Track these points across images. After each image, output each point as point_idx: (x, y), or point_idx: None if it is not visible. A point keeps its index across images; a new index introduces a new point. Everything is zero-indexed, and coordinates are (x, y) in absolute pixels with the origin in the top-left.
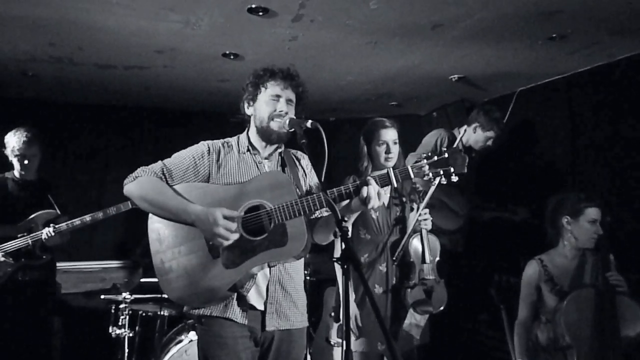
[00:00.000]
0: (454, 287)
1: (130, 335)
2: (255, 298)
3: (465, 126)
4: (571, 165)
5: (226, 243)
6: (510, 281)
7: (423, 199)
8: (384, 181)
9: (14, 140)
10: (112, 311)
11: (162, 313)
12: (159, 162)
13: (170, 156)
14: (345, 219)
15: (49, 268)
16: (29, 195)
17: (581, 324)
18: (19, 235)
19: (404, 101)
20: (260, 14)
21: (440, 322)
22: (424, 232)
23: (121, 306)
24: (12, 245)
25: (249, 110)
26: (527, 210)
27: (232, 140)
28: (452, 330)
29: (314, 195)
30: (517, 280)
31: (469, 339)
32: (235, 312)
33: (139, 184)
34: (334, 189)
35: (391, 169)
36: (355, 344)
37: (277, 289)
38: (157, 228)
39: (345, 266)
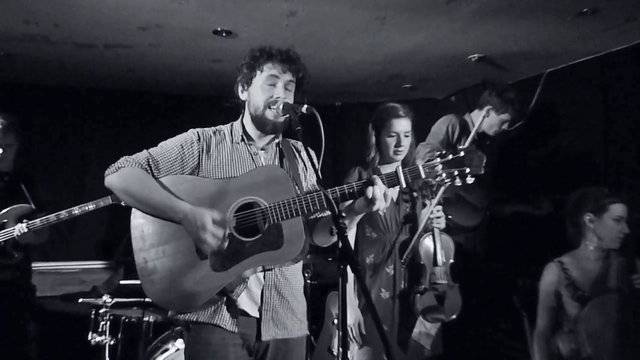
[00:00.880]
0: (470, 291)
1: (112, 342)
2: (247, 304)
3: (476, 110)
4: (603, 155)
5: (214, 249)
6: (535, 286)
7: (436, 194)
8: (391, 181)
9: None
10: (92, 316)
11: (146, 319)
12: (144, 151)
13: (156, 145)
14: (344, 214)
15: (23, 268)
16: (4, 188)
17: (604, 332)
18: None
19: (418, 83)
20: None
21: (453, 330)
22: (436, 231)
23: (101, 311)
24: None
25: (243, 95)
26: (551, 204)
27: (225, 128)
28: (466, 340)
29: (314, 193)
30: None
31: (485, 349)
32: (225, 318)
33: (122, 176)
34: (336, 188)
35: (400, 167)
36: (359, 354)
37: (273, 294)
38: (141, 224)
39: (342, 266)
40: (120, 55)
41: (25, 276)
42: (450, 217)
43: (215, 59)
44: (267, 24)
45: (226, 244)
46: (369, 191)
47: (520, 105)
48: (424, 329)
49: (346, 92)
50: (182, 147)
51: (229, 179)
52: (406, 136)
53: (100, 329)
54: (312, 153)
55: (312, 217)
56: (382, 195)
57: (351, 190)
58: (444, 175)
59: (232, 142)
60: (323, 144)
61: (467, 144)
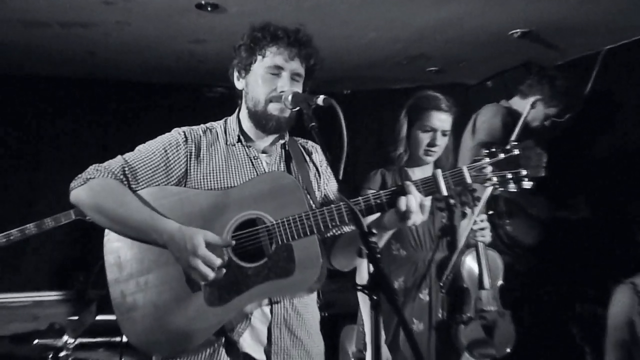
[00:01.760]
0: (522, 321)
1: None
2: (251, 345)
3: (516, 98)
4: None
5: (208, 279)
6: (597, 313)
7: (478, 201)
8: (428, 188)
9: None
10: None
11: None
12: (119, 157)
13: (125, 145)
14: (374, 230)
15: None
16: None
17: None
18: None
19: (447, 65)
20: None
21: None
22: (480, 246)
23: (62, 354)
24: None
25: (239, 83)
26: (586, 206)
27: (217, 125)
28: None
29: (332, 206)
30: (606, 311)
31: None
32: None
33: (92, 189)
34: (360, 199)
35: (439, 171)
36: None
37: (283, 333)
38: (116, 249)
39: (375, 297)
40: (79, 35)
41: None
42: (509, 231)
43: (196, 39)
44: None
45: (223, 272)
46: (402, 202)
47: (572, 94)
48: None
49: (357, 77)
50: (166, 151)
51: (226, 190)
52: (444, 135)
53: None
54: (324, 159)
55: (328, 234)
56: (419, 207)
57: (379, 201)
58: (494, 179)
59: (226, 143)
60: (345, 144)
61: (514, 137)
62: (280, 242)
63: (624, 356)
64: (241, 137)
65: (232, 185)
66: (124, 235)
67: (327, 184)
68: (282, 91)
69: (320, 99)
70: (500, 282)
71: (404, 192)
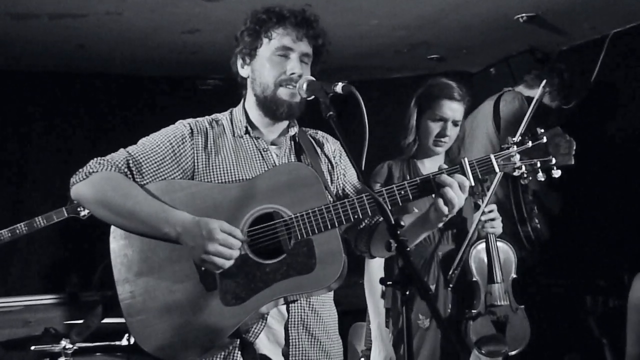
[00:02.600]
0: (533, 315)
1: None
2: (268, 346)
3: (521, 87)
4: None
5: (227, 265)
6: (609, 305)
7: (488, 190)
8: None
9: None
10: None
11: None
12: (121, 150)
13: (117, 140)
14: (402, 222)
15: None
16: None
17: None
18: None
19: (448, 53)
20: None
21: None
22: (491, 238)
23: None
24: None
25: (244, 71)
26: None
27: (223, 117)
28: None
29: (354, 198)
30: (620, 303)
31: None
32: None
33: (95, 183)
34: (383, 189)
35: (466, 159)
36: None
37: (301, 333)
38: (124, 246)
39: (407, 292)
40: (70, 27)
41: None
42: (538, 226)
43: (190, 29)
44: None
45: (236, 254)
46: (448, 191)
47: (578, 82)
48: None
49: (357, 67)
50: (172, 144)
51: (239, 183)
52: (455, 125)
53: None
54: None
55: (363, 224)
56: (459, 190)
57: (403, 192)
58: (523, 167)
59: (233, 134)
60: (367, 134)
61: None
62: (299, 237)
63: None
64: (249, 128)
65: (242, 177)
66: (131, 230)
67: (345, 175)
68: (292, 73)
69: (339, 87)
70: (513, 276)
71: (429, 182)
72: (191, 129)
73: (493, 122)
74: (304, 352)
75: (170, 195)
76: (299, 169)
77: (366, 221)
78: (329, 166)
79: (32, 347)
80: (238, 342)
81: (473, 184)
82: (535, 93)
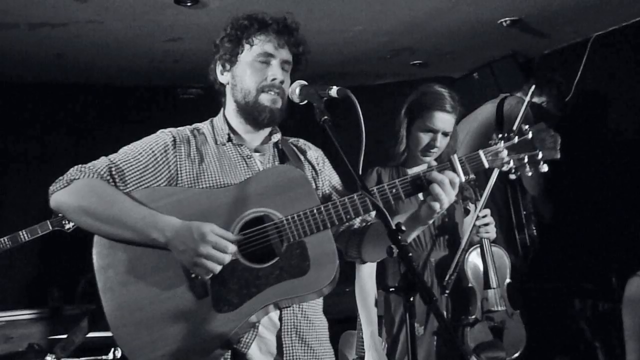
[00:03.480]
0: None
1: None
2: (260, 356)
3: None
4: None
5: (217, 269)
6: (599, 308)
7: (481, 195)
8: None
9: None
10: None
11: None
12: (103, 158)
13: (97, 152)
14: (403, 227)
15: None
16: None
17: None
18: None
19: (431, 58)
20: None
21: None
22: (485, 243)
23: None
24: None
25: (223, 77)
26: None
27: (204, 126)
28: None
29: (346, 198)
30: (609, 306)
31: None
32: None
33: (77, 191)
34: (375, 188)
35: (455, 156)
36: None
37: (294, 341)
38: (108, 255)
39: (410, 299)
40: (49, 36)
41: None
42: (534, 236)
43: (173, 37)
44: None
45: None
46: (436, 190)
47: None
48: None
49: (340, 73)
50: (153, 151)
51: (226, 188)
52: (445, 135)
53: None
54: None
55: (353, 228)
56: (450, 187)
57: (394, 191)
58: (511, 162)
59: (216, 143)
60: (364, 137)
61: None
62: (291, 240)
63: None
64: (231, 135)
65: (229, 185)
66: (117, 238)
67: (330, 182)
68: (273, 79)
69: (334, 90)
70: (507, 281)
71: (421, 180)
72: (174, 137)
73: (495, 124)
74: None
75: (155, 202)
76: (288, 171)
77: (356, 225)
78: (313, 173)
79: None
80: (230, 354)
81: (463, 179)
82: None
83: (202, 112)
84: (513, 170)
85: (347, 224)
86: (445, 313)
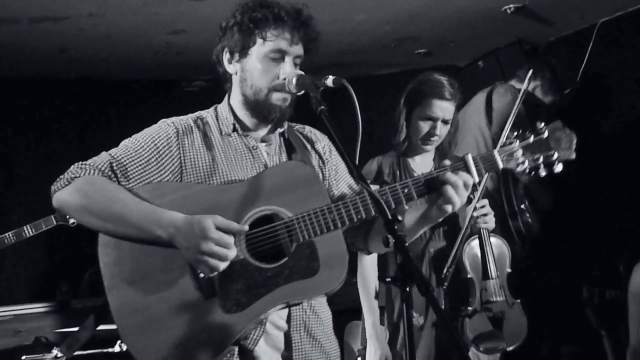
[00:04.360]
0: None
1: None
2: (267, 353)
3: (514, 81)
4: None
5: (221, 267)
6: (606, 296)
7: (479, 185)
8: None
9: None
10: None
11: None
12: (104, 153)
13: (102, 146)
14: (399, 217)
15: None
16: None
17: None
18: None
19: (436, 47)
20: None
21: None
22: (484, 233)
23: None
24: None
25: (231, 67)
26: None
27: (207, 115)
28: None
29: (357, 197)
30: (617, 293)
31: None
32: None
33: (78, 189)
34: (387, 188)
35: (469, 155)
36: None
37: (303, 336)
38: (114, 253)
39: (406, 289)
40: (51, 31)
41: None
42: (529, 221)
43: (175, 29)
44: None
45: (233, 254)
46: (449, 192)
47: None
48: None
49: (344, 64)
50: (156, 144)
51: (233, 184)
52: (445, 123)
53: None
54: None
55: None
56: (463, 188)
57: (406, 191)
58: (526, 162)
59: (220, 133)
60: (360, 128)
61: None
62: (301, 240)
63: None
64: (236, 125)
65: (234, 178)
66: (121, 236)
67: (337, 172)
68: (285, 79)
69: (330, 80)
70: (507, 270)
71: (434, 180)
72: (176, 127)
73: (485, 115)
74: (306, 355)
75: (160, 199)
76: (298, 167)
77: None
78: (320, 162)
79: (23, 357)
80: (237, 350)
81: (477, 180)
82: (544, 98)
83: (206, 105)
84: (527, 171)
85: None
86: (443, 304)
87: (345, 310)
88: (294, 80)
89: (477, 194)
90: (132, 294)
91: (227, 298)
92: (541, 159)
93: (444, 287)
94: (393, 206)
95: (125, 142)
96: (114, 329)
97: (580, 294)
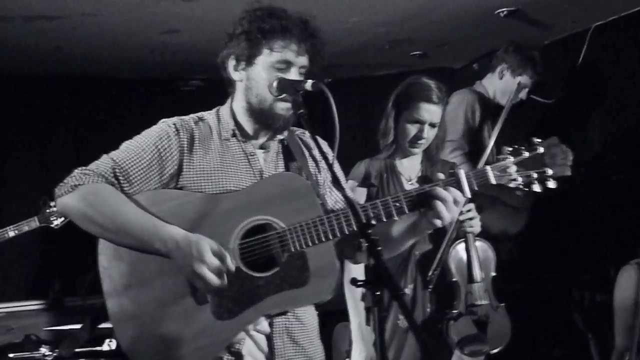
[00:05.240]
0: (517, 312)
1: None
2: (252, 356)
3: (488, 75)
4: None
5: (212, 289)
6: (597, 299)
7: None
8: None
9: None
10: None
11: None
12: (105, 157)
13: (97, 147)
14: (373, 222)
15: None
16: None
17: None
18: None
19: (431, 49)
20: None
21: None
22: (470, 237)
23: None
24: None
25: (237, 75)
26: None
27: (209, 117)
28: None
29: (348, 210)
30: (606, 297)
31: None
32: None
33: (82, 198)
34: (378, 201)
35: (462, 171)
36: None
37: (286, 342)
38: (113, 257)
39: (377, 292)
40: (45, 29)
41: None
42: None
43: (170, 29)
44: None
45: (226, 282)
46: (439, 208)
47: (543, 68)
48: None
49: (339, 65)
50: (157, 147)
51: (231, 193)
52: (432, 126)
53: None
54: (323, 144)
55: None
56: (453, 204)
57: (398, 205)
58: (519, 179)
59: (220, 137)
60: (337, 132)
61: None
62: (293, 250)
63: (634, 340)
64: (236, 131)
65: (229, 184)
66: (120, 244)
67: (327, 178)
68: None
69: (309, 84)
70: (492, 274)
71: (425, 195)
72: (177, 128)
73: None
74: None
75: (159, 206)
76: (293, 179)
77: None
78: (316, 169)
79: (11, 355)
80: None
81: (469, 196)
82: (517, 78)
83: (202, 104)
84: (521, 187)
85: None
86: (428, 306)
87: (335, 312)
88: (275, 84)
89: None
90: (129, 299)
91: (218, 305)
92: (535, 175)
93: (429, 290)
94: (384, 219)
95: (126, 145)
96: (101, 327)
97: (571, 297)
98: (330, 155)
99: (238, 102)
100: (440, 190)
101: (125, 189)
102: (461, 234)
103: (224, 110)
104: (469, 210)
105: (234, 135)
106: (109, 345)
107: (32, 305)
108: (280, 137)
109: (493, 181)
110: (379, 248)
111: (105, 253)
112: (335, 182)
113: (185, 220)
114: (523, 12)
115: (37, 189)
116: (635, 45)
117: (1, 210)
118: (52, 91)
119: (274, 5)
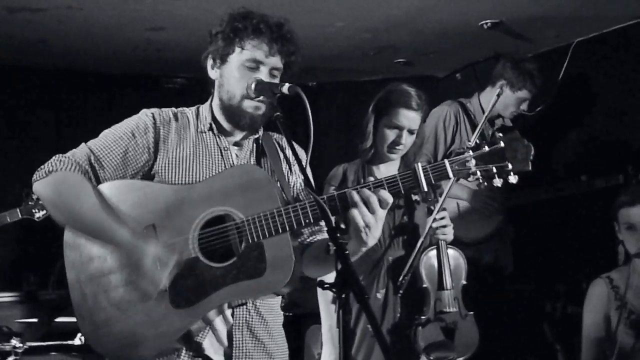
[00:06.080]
0: (487, 321)
1: None
2: (212, 348)
3: (488, 88)
4: None
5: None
6: (568, 311)
7: (440, 196)
8: (407, 184)
9: None
10: None
11: None
12: (83, 145)
13: (78, 141)
14: (342, 226)
15: None
16: None
17: None
18: None
19: (415, 57)
20: None
21: None
22: (441, 244)
23: (10, 359)
24: None
25: (213, 73)
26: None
27: (189, 111)
28: None
29: (305, 202)
30: (578, 309)
31: None
32: None
33: (52, 184)
34: (325, 197)
35: (419, 165)
36: None
37: (245, 336)
38: (77, 246)
39: (343, 295)
40: (29, 21)
41: None
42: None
43: (155, 26)
44: None
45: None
46: (356, 216)
47: (542, 81)
48: None
49: (323, 69)
50: (134, 135)
51: (192, 185)
52: (411, 133)
53: None
54: (298, 148)
55: (300, 239)
56: (373, 220)
57: (333, 204)
58: (478, 173)
59: (197, 130)
60: (312, 135)
61: (476, 133)
62: (250, 241)
63: (601, 349)
64: (213, 125)
65: (199, 174)
66: (83, 233)
67: (298, 181)
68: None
69: (285, 87)
70: (463, 282)
71: (335, 202)
72: (154, 118)
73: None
74: (247, 353)
75: (124, 196)
76: (253, 171)
77: (300, 240)
78: (288, 170)
79: None
80: (185, 344)
81: (426, 189)
82: (517, 93)
83: (186, 102)
84: (480, 181)
85: (299, 240)
86: (398, 311)
87: (309, 315)
88: (253, 86)
89: (438, 205)
90: (91, 288)
91: (176, 294)
92: (494, 170)
93: (400, 295)
94: (311, 221)
95: (104, 133)
96: (73, 321)
97: (543, 308)
98: (304, 158)
99: (215, 100)
100: (354, 194)
101: (101, 175)
102: (434, 241)
103: (204, 107)
104: (442, 218)
105: (210, 129)
106: (80, 339)
107: (5, 297)
108: (255, 136)
109: (451, 175)
110: (347, 252)
111: (69, 245)
112: (307, 184)
113: (148, 211)
114: (507, 25)
115: (17, 181)
116: (617, 61)
117: None
118: (34, 83)
119: (255, 10)
